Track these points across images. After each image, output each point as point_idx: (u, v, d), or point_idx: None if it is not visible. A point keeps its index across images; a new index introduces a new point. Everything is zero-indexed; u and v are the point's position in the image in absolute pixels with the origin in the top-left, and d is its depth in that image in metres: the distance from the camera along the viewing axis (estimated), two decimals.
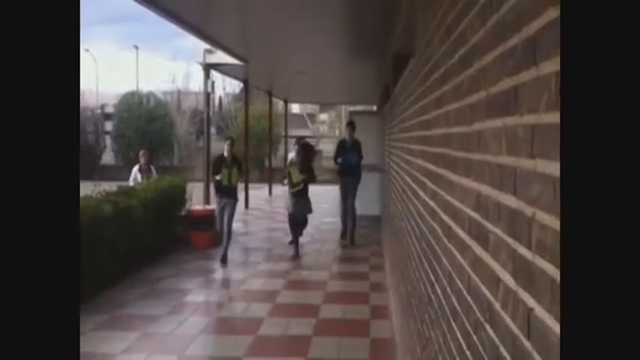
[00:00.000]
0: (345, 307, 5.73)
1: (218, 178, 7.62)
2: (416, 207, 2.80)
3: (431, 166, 2.18)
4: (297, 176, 8.06)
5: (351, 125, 9.57)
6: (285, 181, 8.15)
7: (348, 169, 9.09)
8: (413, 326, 2.79)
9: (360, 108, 17.60)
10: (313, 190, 8.61)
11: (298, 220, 8.26)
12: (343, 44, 7.64)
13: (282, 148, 20.41)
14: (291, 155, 9.15)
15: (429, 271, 2.16)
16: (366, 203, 10.13)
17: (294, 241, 8.22)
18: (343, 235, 9.27)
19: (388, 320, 5.19)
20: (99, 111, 30.76)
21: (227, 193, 7.67)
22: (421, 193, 2.55)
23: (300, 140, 9.31)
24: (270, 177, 16.45)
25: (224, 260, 7.49)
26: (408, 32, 3.89)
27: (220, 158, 7.83)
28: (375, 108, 15.15)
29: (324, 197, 13.47)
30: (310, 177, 8.17)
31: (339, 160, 9.14)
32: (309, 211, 8.30)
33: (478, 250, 1.21)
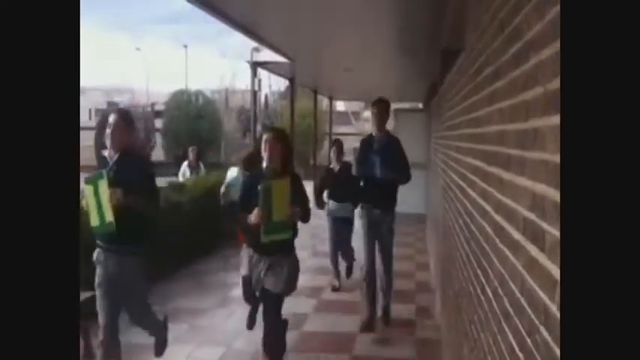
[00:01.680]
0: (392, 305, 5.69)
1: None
2: (464, 206, 2.75)
3: (481, 164, 2.13)
4: (282, 209, 3.47)
5: (379, 105, 4.99)
6: (253, 217, 3.47)
7: (369, 190, 4.95)
8: (460, 327, 2.74)
9: (405, 105, 17.41)
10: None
11: (256, 301, 4.33)
12: (391, 39, 7.55)
13: (326, 144, 20.52)
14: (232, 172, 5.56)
15: (478, 271, 2.11)
16: (410, 201, 9.89)
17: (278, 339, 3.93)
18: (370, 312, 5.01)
19: (434, 320, 5.12)
20: (149, 109, 31.80)
21: (109, 245, 3.37)
22: (470, 192, 2.50)
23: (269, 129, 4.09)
24: (314, 174, 16.56)
25: None
26: (457, 26, 3.81)
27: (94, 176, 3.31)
28: (421, 105, 14.95)
29: None
30: (303, 210, 3.72)
31: (355, 169, 5.04)
32: (292, 287, 3.80)
33: (534, 251, 1.18)
